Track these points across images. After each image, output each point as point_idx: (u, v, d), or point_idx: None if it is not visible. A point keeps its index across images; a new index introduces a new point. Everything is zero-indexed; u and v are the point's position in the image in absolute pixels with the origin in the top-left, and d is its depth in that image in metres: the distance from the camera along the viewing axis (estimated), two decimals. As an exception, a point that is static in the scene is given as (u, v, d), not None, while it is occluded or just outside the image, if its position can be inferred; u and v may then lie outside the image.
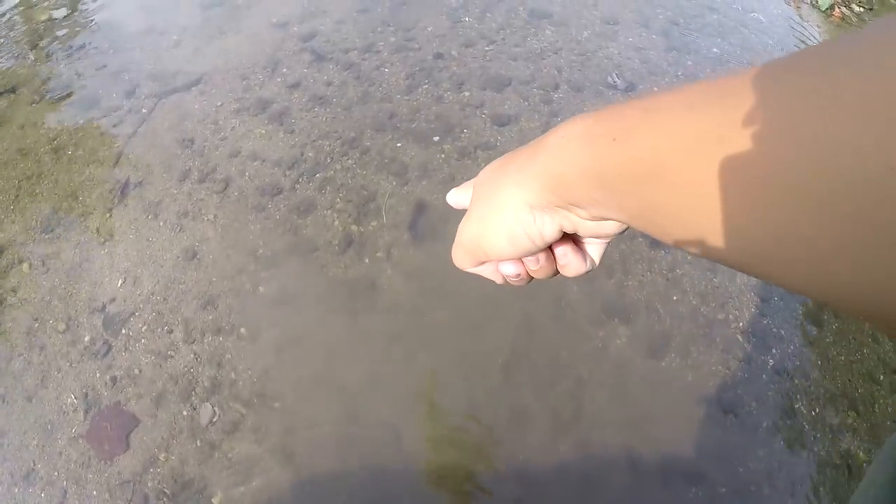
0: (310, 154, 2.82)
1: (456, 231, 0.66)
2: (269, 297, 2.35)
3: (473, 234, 0.62)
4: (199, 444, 2.05)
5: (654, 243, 2.56)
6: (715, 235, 0.39)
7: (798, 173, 0.31)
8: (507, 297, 2.35)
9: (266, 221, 2.58)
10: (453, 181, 2.75)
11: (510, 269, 0.63)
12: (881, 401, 2.21)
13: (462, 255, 0.67)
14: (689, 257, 2.54)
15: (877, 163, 0.28)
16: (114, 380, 2.20)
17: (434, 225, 2.58)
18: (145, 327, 2.31)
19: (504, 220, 0.57)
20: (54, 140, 3.02)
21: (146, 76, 3.31)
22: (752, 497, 2.00)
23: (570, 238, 0.60)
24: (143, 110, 3.11)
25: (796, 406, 2.17)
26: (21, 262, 2.55)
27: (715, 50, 3.81)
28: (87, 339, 2.31)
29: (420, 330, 2.29)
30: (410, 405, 2.12)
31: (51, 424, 2.13)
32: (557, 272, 0.64)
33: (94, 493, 2.00)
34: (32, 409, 2.17)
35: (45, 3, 4.00)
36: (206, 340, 2.25)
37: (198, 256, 2.48)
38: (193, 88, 3.21)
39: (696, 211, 0.40)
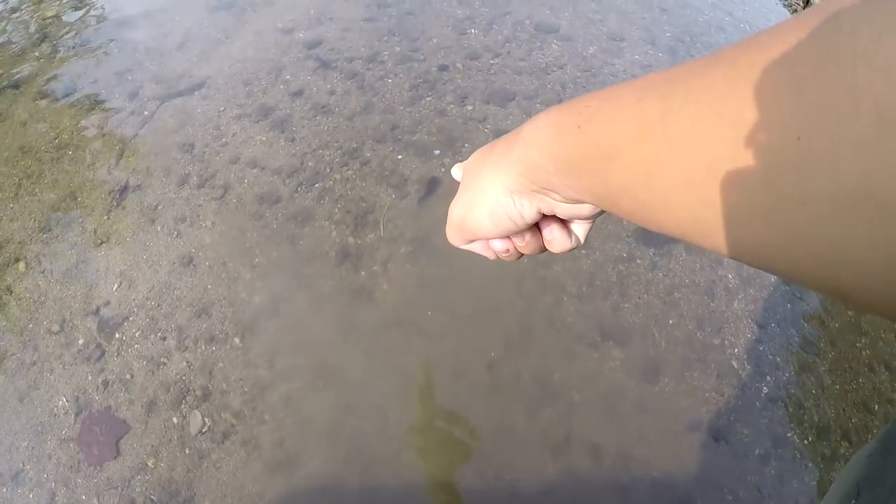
0: (310, 163, 2.83)
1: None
2: (263, 307, 2.36)
3: (461, 215, 0.67)
4: (188, 452, 2.06)
5: (653, 265, 2.56)
6: (665, 212, 0.44)
7: (718, 149, 0.36)
8: (502, 317, 2.36)
9: (263, 230, 2.58)
10: (453, 195, 2.73)
11: (499, 245, 0.69)
12: (875, 431, 2.21)
13: (453, 234, 0.73)
14: (686, 280, 2.54)
15: (779, 134, 0.32)
16: (106, 384, 2.21)
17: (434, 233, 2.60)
18: (139, 332, 2.32)
19: (486, 203, 0.62)
20: (56, 139, 3.04)
21: (150, 78, 3.33)
22: (742, 525, 1.99)
23: (556, 217, 0.64)
24: (146, 112, 3.12)
25: (789, 435, 2.17)
26: (17, 260, 2.57)
27: (721, 69, 3.81)
28: (80, 341, 2.32)
29: (413, 347, 2.29)
30: (403, 422, 2.12)
31: (41, 426, 2.14)
32: (545, 248, 0.68)
33: (83, 497, 2.01)
34: (24, 410, 2.18)
35: (54, 0, 4.02)
36: (198, 348, 2.26)
37: (194, 263, 2.49)
38: (196, 92, 3.23)
39: (648, 190, 0.44)
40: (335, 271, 2.47)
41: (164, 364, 2.24)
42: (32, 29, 3.80)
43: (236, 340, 2.27)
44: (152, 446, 2.08)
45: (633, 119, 0.44)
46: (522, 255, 0.71)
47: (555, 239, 0.66)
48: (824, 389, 2.30)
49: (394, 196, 2.72)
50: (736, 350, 2.37)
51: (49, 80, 3.41)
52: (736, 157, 0.35)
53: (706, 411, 2.20)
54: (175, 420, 2.12)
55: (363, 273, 2.47)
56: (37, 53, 3.61)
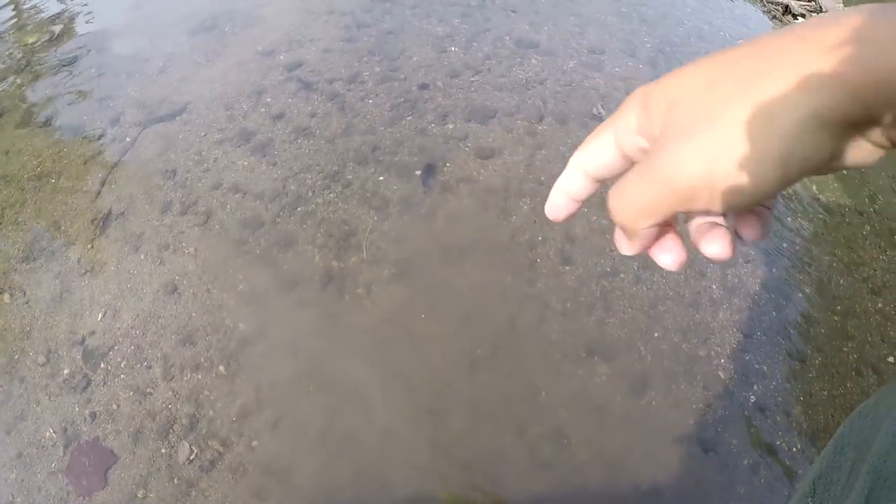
0: (292, 187, 2.84)
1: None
2: (248, 333, 2.37)
3: (699, 172, 0.44)
4: (176, 481, 2.07)
5: (637, 279, 2.58)
6: None
7: None
8: (486, 336, 2.38)
9: (247, 256, 2.59)
10: (435, 216, 2.78)
11: (721, 227, 0.49)
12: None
13: (650, 206, 0.48)
14: (670, 293, 2.56)
15: None
16: (93, 415, 2.21)
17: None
18: (124, 362, 2.33)
19: (774, 142, 0.40)
20: (38, 167, 3.05)
21: (131, 104, 3.35)
22: (732, 537, 2.00)
23: None
24: (128, 139, 3.13)
25: (778, 443, 2.18)
26: (1, 292, 2.58)
27: (703, 79, 3.83)
28: (66, 372, 2.32)
29: (400, 369, 2.30)
30: (390, 445, 2.13)
31: (30, 458, 2.15)
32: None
33: (73, 529, 2.01)
34: (11, 442, 2.19)
35: (34, 26, 4.04)
36: (184, 377, 2.27)
37: (178, 290, 2.50)
38: (178, 117, 3.24)
39: None
40: (319, 296, 2.49)
41: (151, 393, 2.24)
42: (13, 56, 3.82)
43: (221, 368, 2.28)
44: (141, 476, 2.09)
45: None
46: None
47: (764, 220, 0.52)
48: (812, 396, 2.32)
49: (376, 218, 2.73)
50: (722, 360, 2.39)
51: (30, 107, 3.42)
52: None
53: (693, 423, 2.21)
54: (163, 449, 2.13)
55: (347, 297, 2.48)
56: (18, 81, 3.62)
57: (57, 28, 4.00)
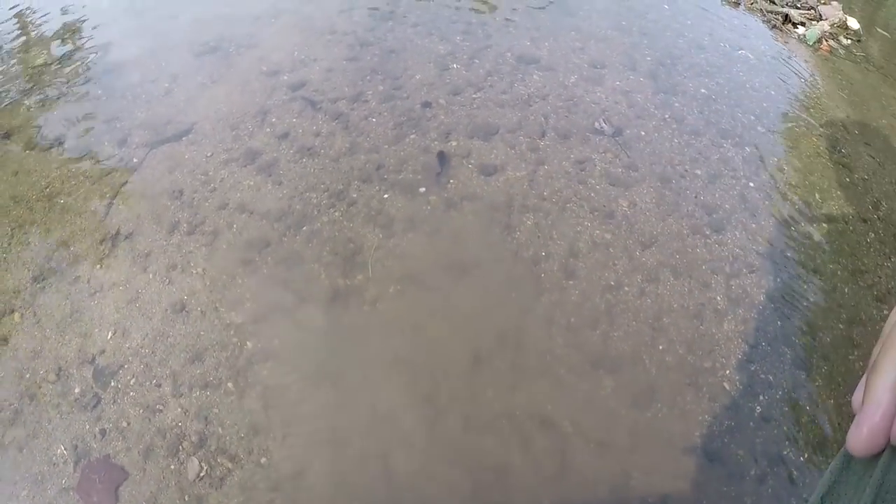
0: (297, 206, 2.88)
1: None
2: (255, 351, 2.40)
3: None
4: (186, 498, 2.09)
5: (641, 292, 2.61)
6: None
7: None
8: (493, 352, 2.41)
9: (254, 275, 2.63)
10: (440, 234, 2.81)
11: None
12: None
13: None
14: (674, 305, 2.59)
15: None
16: (103, 432, 2.24)
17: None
18: (134, 380, 2.35)
19: None
20: (47, 188, 3.07)
21: (138, 125, 3.38)
22: (738, 547, 2.02)
23: None
24: (135, 160, 3.17)
25: (784, 453, 2.21)
26: (13, 311, 2.60)
27: (703, 90, 3.89)
28: (77, 390, 2.34)
29: (407, 387, 2.33)
30: (401, 465, 2.15)
31: (41, 475, 2.16)
32: None
33: (84, 546, 2.03)
34: (23, 460, 2.20)
35: (42, 48, 4.07)
36: (193, 394, 2.30)
37: (186, 310, 2.53)
38: (184, 138, 3.27)
39: None
40: (326, 313, 2.52)
41: (160, 411, 2.27)
42: (21, 78, 3.84)
43: (230, 385, 2.31)
44: (151, 493, 2.11)
45: None
46: None
47: None
48: (819, 405, 2.35)
49: (381, 236, 2.78)
50: (727, 371, 2.42)
51: (39, 129, 3.44)
52: None
53: (700, 434, 2.24)
54: (172, 466, 2.15)
55: (353, 314, 2.52)
56: (27, 102, 3.64)
57: (64, 50, 4.03)
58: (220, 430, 2.22)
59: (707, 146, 3.48)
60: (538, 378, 2.35)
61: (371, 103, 3.47)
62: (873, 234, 3.16)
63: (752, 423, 2.29)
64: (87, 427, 2.25)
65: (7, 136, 3.40)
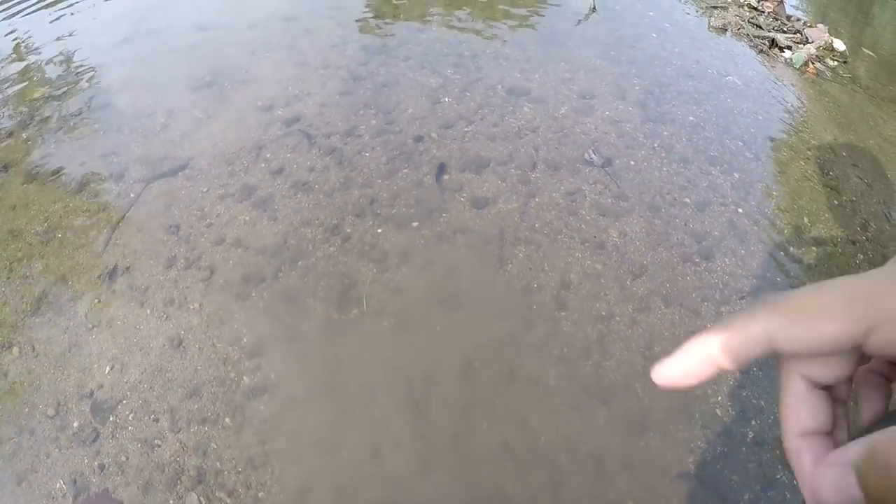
0: (292, 241, 2.93)
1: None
2: (252, 386, 2.43)
3: None
4: (185, 533, 2.12)
5: (633, 322, 2.65)
6: None
7: None
8: (486, 384, 2.44)
9: (250, 310, 2.66)
10: (434, 267, 2.86)
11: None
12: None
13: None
14: (665, 333, 2.63)
15: None
16: (102, 466, 2.26)
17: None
18: (132, 415, 2.38)
19: None
20: (45, 222, 3.11)
21: (135, 159, 3.42)
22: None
23: None
24: (132, 195, 3.21)
25: (777, 476, 2.25)
26: (11, 345, 2.62)
27: (691, 118, 3.94)
28: (75, 424, 2.37)
29: (402, 420, 2.35)
30: (393, 496, 2.18)
31: (41, 510, 2.17)
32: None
33: (83, 581, 2.05)
34: (22, 494, 2.22)
35: (39, 82, 4.12)
36: (191, 429, 2.32)
37: (183, 345, 2.56)
38: (180, 173, 3.32)
39: None
40: (321, 348, 2.56)
41: (159, 445, 2.29)
42: (19, 111, 3.88)
43: (227, 420, 2.34)
44: (150, 528, 2.13)
45: None
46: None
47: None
48: (811, 429, 2.38)
49: (375, 270, 2.82)
50: (719, 398, 2.46)
51: (37, 162, 3.48)
52: None
53: (693, 461, 2.27)
54: (171, 501, 2.17)
55: (349, 349, 2.55)
56: (24, 136, 3.68)
57: (61, 84, 4.08)
58: (218, 464, 2.24)
59: (696, 174, 3.53)
60: (532, 409, 2.38)
61: (364, 138, 3.52)
62: (862, 256, 3.21)
63: (744, 448, 2.32)
64: (86, 461, 2.27)
65: (5, 168, 3.44)
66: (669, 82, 4.37)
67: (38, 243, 3.02)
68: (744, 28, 5.52)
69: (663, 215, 3.22)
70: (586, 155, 3.51)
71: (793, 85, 4.77)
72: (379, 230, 3.00)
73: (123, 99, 3.92)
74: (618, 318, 2.69)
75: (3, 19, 4.89)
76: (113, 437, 2.33)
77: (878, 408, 0.48)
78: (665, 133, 3.82)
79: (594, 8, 5.39)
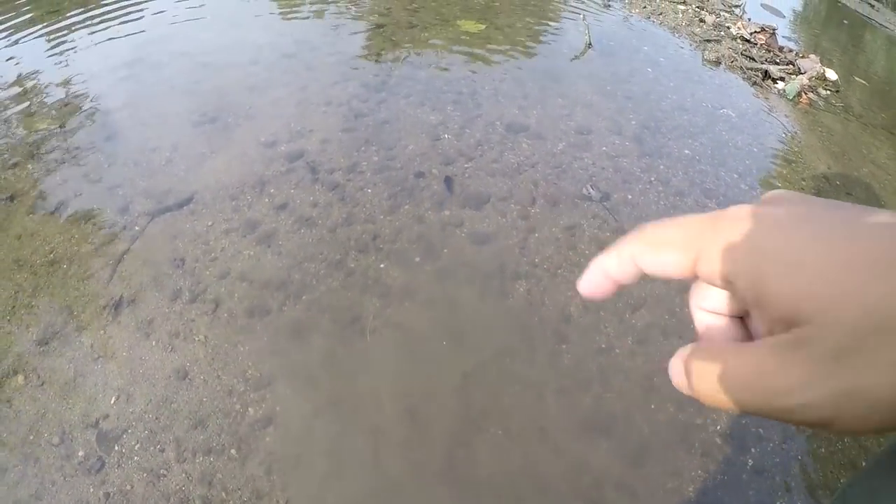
0: (296, 276, 2.99)
1: None
2: (257, 418, 2.47)
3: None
4: (191, 564, 2.16)
5: (632, 353, 2.72)
6: None
7: None
8: (487, 418, 2.50)
9: (255, 343, 2.72)
10: (436, 302, 2.92)
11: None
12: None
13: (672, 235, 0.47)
14: (665, 364, 2.67)
15: None
16: (107, 496, 2.28)
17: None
18: (138, 445, 2.41)
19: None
20: (51, 253, 3.15)
21: (139, 193, 3.48)
22: None
23: None
24: (137, 228, 3.26)
25: (777, 503, 2.29)
26: (16, 373, 2.65)
27: (687, 151, 4.02)
28: (80, 453, 2.39)
29: (405, 454, 2.40)
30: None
31: (45, 539, 2.21)
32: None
33: None
34: None
35: (44, 113, 4.17)
36: (197, 460, 2.36)
37: (189, 377, 2.61)
38: (185, 207, 3.38)
39: None
40: (326, 382, 2.61)
41: (164, 475, 2.33)
42: (25, 141, 3.93)
43: (233, 451, 2.38)
44: (156, 558, 2.17)
45: None
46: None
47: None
48: (810, 454, 2.44)
49: (378, 305, 2.88)
50: (719, 427, 2.52)
51: (42, 193, 3.52)
52: None
53: (693, 490, 2.32)
54: (177, 531, 2.22)
55: (353, 383, 2.60)
56: (30, 167, 3.73)
57: (66, 115, 4.13)
58: (223, 494, 2.27)
59: (692, 207, 3.61)
60: (532, 441, 2.43)
61: (366, 174, 3.60)
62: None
63: (744, 476, 2.37)
64: (92, 490, 2.30)
65: (11, 199, 3.48)
66: (665, 116, 4.46)
67: (43, 273, 3.05)
68: (737, 61, 5.64)
69: (660, 249, 3.28)
70: (584, 190, 3.59)
71: (786, 116, 4.87)
72: (381, 265, 3.06)
73: (128, 132, 3.97)
74: (617, 351, 2.75)
75: (6, 46, 4.96)
76: (118, 466, 2.36)
77: None
78: (661, 167, 3.90)
79: (590, 44, 5.50)
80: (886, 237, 0.37)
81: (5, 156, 3.80)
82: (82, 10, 5.66)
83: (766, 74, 5.55)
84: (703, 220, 0.47)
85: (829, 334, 0.35)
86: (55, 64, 4.72)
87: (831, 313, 0.35)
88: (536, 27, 5.97)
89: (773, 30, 6.34)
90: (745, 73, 5.52)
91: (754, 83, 5.38)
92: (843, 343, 0.35)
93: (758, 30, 6.31)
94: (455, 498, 2.28)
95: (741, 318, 0.50)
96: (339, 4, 6.02)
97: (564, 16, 6.30)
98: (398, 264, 3.07)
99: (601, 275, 0.52)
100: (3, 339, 2.76)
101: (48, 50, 4.94)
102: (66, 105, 4.25)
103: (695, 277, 0.47)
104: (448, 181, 3.54)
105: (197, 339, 2.74)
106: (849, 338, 0.35)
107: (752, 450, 2.46)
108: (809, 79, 5.57)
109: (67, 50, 4.95)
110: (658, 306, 2.97)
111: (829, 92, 5.55)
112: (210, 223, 3.28)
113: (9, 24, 5.37)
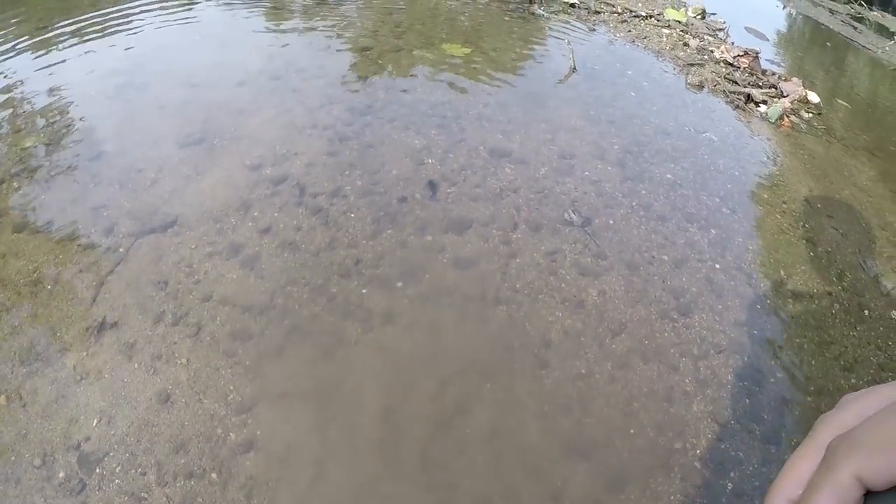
0: (279, 300, 3.01)
1: None
2: (239, 442, 2.49)
3: None
4: (171, 588, 2.18)
5: (612, 379, 2.75)
6: None
7: None
8: (469, 443, 2.52)
9: (237, 367, 2.73)
10: (417, 327, 2.94)
11: None
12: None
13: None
14: (644, 389, 2.72)
15: None
16: None
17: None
18: (119, 468, 2.42)
19: None
20: (34, 272, 3.15)
21: (124, 214, 3.49)
22: None
23: None
24: (121, 249, 3.27)
25: (756, 527, 2.31)
26: None
27: (669, 176, 4.06)
28: (62, 475, 2.40)
29: (387, 480, 2.41)
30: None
31: (25, 562, 2.21)
32: None
33: None
34: None
35: (30, 130, 4.19)
36: (178, 483, 2.37)
37: (171, 400, 2.62)
38: (169, 229, 3.39)
39: None
40: (307, 406, 2.62)
41: (145, 499, 2.33)
42: (10, 159, 3.93)
43: (214, 476, 2.39)
44: (135, 581, 2.18)
45: None
46: None
47: None
48: (790, 476, 2.47)
49: (360, 330, 2.90)
50: (698, 451, 2.55)
51: (27, 212, 3.53)
52: None
53: (672, 514, 2.34)
54: (157, 555, 2.23)
55: (334, 409, 2.62)
56: (15, 184, 3.73)
57: (53, 134, 4.14)
58: (204, 518, 2.29)
59: (673, 231, 3.66)
60: (512, 466, 2.45)
61: (350, 198, 3.62)
62: (838, 305, 3.32)
63: (724, 500, 2.40)
64: (73, 513, 2.29)
65: (-5, 218, 3.46)
66: (647, 141, 4.51)
67: (27, 293, 3.06)
68: (720, 84, 5.70)
69: (641, 273, 3.33)
70: (566, 215, 3.63)
71: (768, 139, 4.93)
72: (364, 290, 3.08)
73: (114, 152, 3.98)
74: (597, 376, 2.78)
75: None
76: (99, 488, 2.36)
77: None
78: (643, 191, 3.95)
79: (574, 68, 5.56)
80: None
81: (-8, 172, 3.80)
82: (71, 28, 5.69)
83: (749, 98, 5.62)
84: None
85: None
86: (42, 82, 4.73)
87: None
88: (522, 51, 6.04)
89: (757, 53, 6.41)
90: (727, 96, 5.59)
91: (737, 107, 5.45)
92: None
93: (741, 53, 6.39)
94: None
95: None
96: (326, 27, 6.06)
97: (549, 39, 6.37)
98: (380, 289, 3.09)
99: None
100: (-15, 359, 2.74)
101: (35, 67, 4.96)
102: (52, 123, 4.25)
103: None
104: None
105: (179, 362, 2.76)
106: None
107: (732, 473, 2.49)
108: (792, 102, 5.65)
109: (55, 68, 4.97)
110: (638, 331, 3.01)
111: (811, 114, 5.62)
112: (194, 245, 3.30)
113: (-4, 41, 5.39)
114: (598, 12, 7.32)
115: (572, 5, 7.34)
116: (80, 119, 4.31)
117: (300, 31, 5.94)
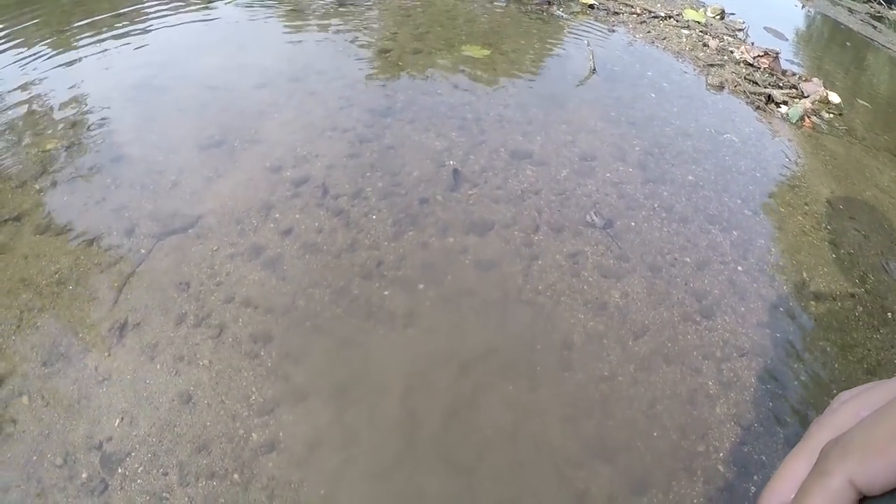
0: (301, 302, 3.01)
1: None
2: (261, 443, 2.49)
3: None
4: (193, 589, 2.18)
5: (634, 381, 2.74)
6: None
7: None
8: (490, 447, 2.51)
9: (259, 369, 2.74)
10: (439, 329, 2.94)
11: None
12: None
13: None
14: (667, 392, 2.71)
15: None
16: None
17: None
18: (141, 468, 2.43)
19: None
20: (56, 273, 3.17)
21: (145, 215, 3.51)
22: None
23: None
24: (142, 250, 3.29)
25: (778, 530, 2.31)
26: (21, 394, 2.67)
27: (690, 177, 4.05)
28: (84, 475, 2.41)
29: (410, 487, 2.40)
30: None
31: (47, 561, 2.22)
32: None
33: None
34: None
35: (52, 133, 4.21)
36: (199, 484, 2.38)
37: (192, 401, 2.63)
38: (190, 230, 3.40)
39: None
40: (329, 408, 2.62)
41: (167, 499, 2.34)
42: (33, 161, 3.95)
43: (236, 476, 2.40)
44: (158, 581, 2.18)
45: None
46: None
47: None
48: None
49: (382, 332, 2.90)
50: (721, 454, 2.54)
51: (49, 214, 3.54)
52: None
53: (695, 517, 2.32)
54: (180, 555, 2.23)
55: (357, 411, 2.62)
56: (37, 186, 3.75)
57: (73, 136, 4.17)
58: (226, 519, 2.29)
59: (695, 233, 3.64)
60: (534, 469, 2.44)
61: (371, 200, 3.63)
62: (861, 308, 3.30)
63: (746, 503, 2.39)
64: (95, 513, 2.30)
65: (18, 218, 3.50)
66: (668, 142, 4.49)
67: (49, 294, 3.07)
68: (740, 85, 5.68)
69: (664, 275, 3.32)
70: (588, 217, 3.62)
71: (789, 140, 4.90)
72: (385, 292, 3.08)
73: (134, 155, 4.00)
74: (620, 378, 2.78)
75: (14, 66, 4.99)
76: (121, 488, 2.37)
77: None
78: (665, 193, 3.93)
79: (594, 69, 5.54)
80: None
81: (12, 175, 3.83)
82: (91, 31, 5.71)
83: (770, 98, 5.59)
84: None
85: None
86: (62, 84, 4.76)
87: None
88: (541, 52, 6.03)
89: (777, 53, 6.38)
90: (748, 97, 5.56)
91: (757, 107, 5.42)
92: None
93: (761, 54, 6.35)
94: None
95: None
96: (346, 29, 6.07)
97: (569, 41, 6.36)
98: (402, 290, 3.09)
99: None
100: (8, 359, 2.78)
101: (55, 69, 4.99)
102: (73, 126, 4.28)
103: None
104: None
105: (201, 363, 2.77)
106: None
107: (755, 477, 2.48)
108: (812, 102, 5.62)
109: (75, 70, 5.00)
110: (661, 333, 3.00)
111: (832, 115, 5.59)
112: (215, 247, 3.31)
113: (16, 41, 5.42)
114: (617, 13, 7.30)
115: (591, 6, 7.32)
116: (100, 122, 4.32)
117: (319, 33, 5.93)
